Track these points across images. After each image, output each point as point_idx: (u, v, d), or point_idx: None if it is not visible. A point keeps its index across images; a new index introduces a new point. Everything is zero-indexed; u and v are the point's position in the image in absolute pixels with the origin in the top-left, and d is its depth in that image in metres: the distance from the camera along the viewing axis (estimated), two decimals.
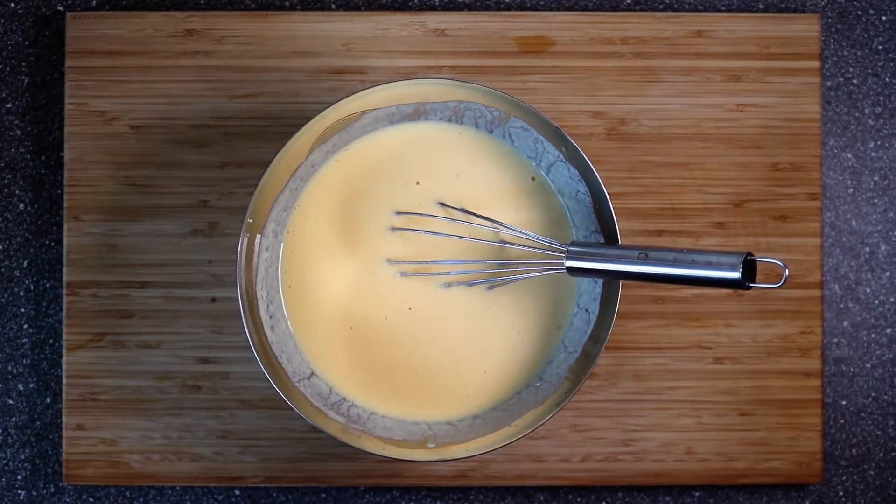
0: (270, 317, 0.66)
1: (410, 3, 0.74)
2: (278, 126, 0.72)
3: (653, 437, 0.71)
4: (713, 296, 0.71)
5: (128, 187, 0.72)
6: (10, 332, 0.74)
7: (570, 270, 0.63)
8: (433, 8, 0.74)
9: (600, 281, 0.66)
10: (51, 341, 0.74)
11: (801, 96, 0.72)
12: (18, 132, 0.74)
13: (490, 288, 0.67)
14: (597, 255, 0.62)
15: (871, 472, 0.74)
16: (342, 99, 0.65)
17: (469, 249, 0.67)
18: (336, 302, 0.67)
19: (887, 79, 0.75)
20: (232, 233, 0.71)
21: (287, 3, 0.75)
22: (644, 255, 0.60)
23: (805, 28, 0.73)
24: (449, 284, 0.67)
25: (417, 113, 0.68)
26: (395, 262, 0.67)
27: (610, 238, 0.65)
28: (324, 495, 0.73)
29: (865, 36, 0.75)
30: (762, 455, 0.72)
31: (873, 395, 0.74)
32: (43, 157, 0.74)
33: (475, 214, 0.67)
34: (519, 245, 0.66)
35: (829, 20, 0.75)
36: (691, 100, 0.72)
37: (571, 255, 0.63)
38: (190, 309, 0.71)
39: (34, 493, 0.74)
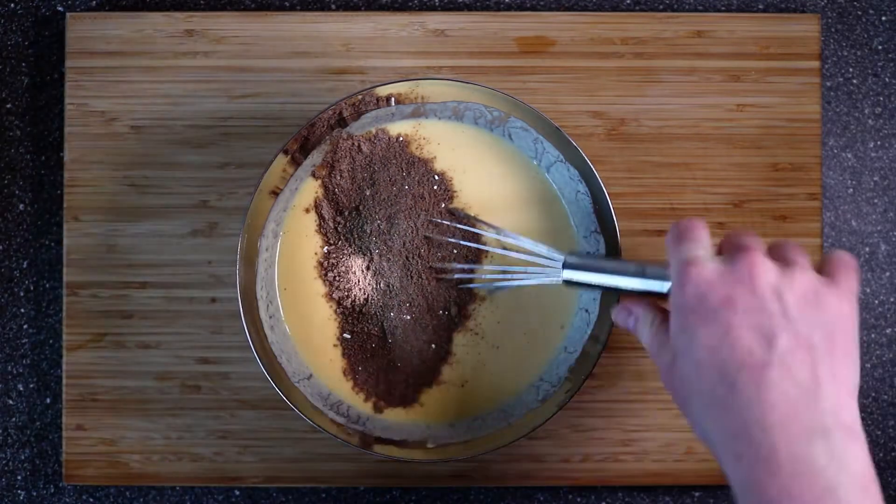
0: (270, 317, 0.66)
1: (410, 4, 0.74)
2: (278, 126, 0.72)
3: (653, 437, 0.71)
4: None
5: (128, 187, 0.72)
6: (10, 333, 0.74)
7: (567, 283, 0.61)
8: (433, 8, 0.74)
9: None
10: (51, 341, 0.74)
11: (801, 96, 0.72)
12: (18, 132, 0.74)
13: (490, 293, 0.67)
14: (593, 268, 0.60)
15: None
16: (342, 99, 0.65)
17: (472, 254, 0.67)
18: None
19: (887, 79, 0.75)
20: (232, 233, 0.71)
21: (287, 3, 0.75)
22: (641, 271, 0.58)
23: (805, 28, 0.73)
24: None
25: (417, 113, 0.68)
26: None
27: (610, 238, 0.65)
28: (324, 495, 0.73)
29: (865, 36, 0.75)
30: None
31: (873, 395, 0.74)
32: (43, 158, 0.74)
33: (478, 220, 0.66)
34: (517, 253, 0.65)
35: (829, 20, 0.75)
36: (691, 100, 0.72)
37: (567, 266, 0.60)
38: (190, 309, 0.71)
39: (34, 493, 0.74)
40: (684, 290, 0.50)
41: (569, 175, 0.67)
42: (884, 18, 0.75)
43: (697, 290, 0.49)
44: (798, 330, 0.47)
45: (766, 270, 0.49)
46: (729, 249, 0.52)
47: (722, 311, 0.48)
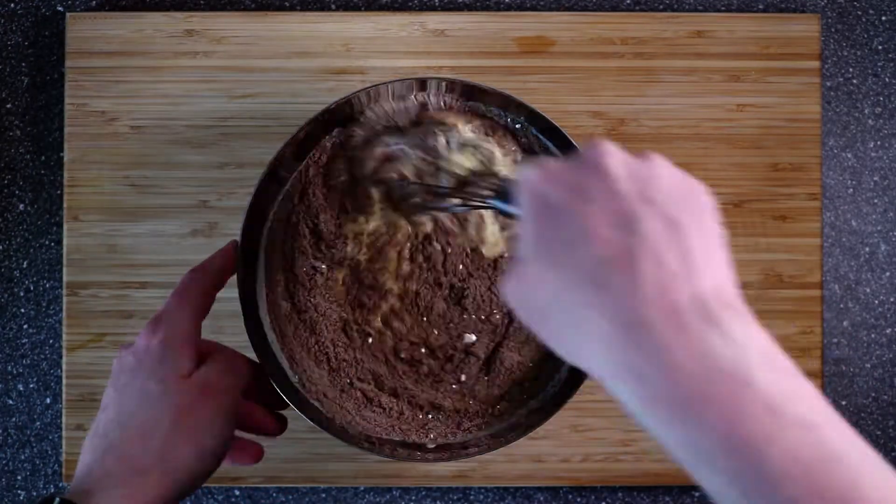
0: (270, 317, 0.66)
1: (410, 3, 0.74)
2: (278, 126, 0.72)
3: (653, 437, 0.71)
4: None
5: (128, 187, 0.72)
6: (10, 332, 0.74)
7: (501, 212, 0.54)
8: (433, 8, 0.74)
9: None
10: (51, 341, 0.74)
11: (801, 96, 0.72)
12: (18, 132, 0.74)
13: (422, 211, 0.63)
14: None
15: None
16: (341, 99, 0.65)
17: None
18: None
19: (887, 79, 0.75)
20: (232, 233, 0.71)
21: (287, 4, 0.75)
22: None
23: (805, 28, 0.73)
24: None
25: None
26: None
27: None
28: (324, 495, 0.73)
29: (865, 36, 0.75)
30: None
31: (873, 395, 0.74)
32: (43, 157, 0.74)
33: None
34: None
35: (829, 20, 0.75)
36: (691, 100, 0.72)
37: (501, 193, 0.52)
38: None
39: (34, 493, 0.73)
40: (527, 191, 0.42)
41: None
42: (884, 18, 0.75)
43: (540, 187, 0.42)
44: (662, 211, 0.40)
45: (617, 153, 0.42)
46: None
47: (572, 202, 0.40)
